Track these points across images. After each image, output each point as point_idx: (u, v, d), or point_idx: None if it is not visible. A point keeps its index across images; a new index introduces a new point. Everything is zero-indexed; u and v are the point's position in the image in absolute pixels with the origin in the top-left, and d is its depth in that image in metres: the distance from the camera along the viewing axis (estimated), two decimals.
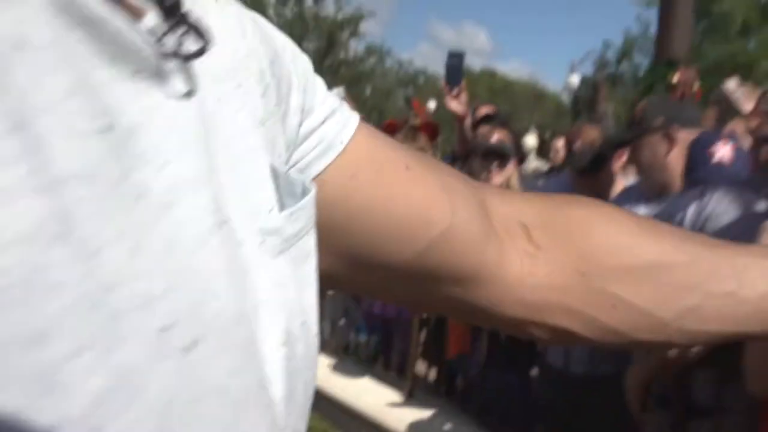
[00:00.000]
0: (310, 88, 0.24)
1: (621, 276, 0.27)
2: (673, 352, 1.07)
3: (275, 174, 0.20)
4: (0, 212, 0.10)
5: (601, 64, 12.65)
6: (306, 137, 0.23)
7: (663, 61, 4.59)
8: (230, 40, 0.20)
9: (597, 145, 1.61)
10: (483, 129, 1.93)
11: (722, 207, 1.13)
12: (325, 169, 0.23)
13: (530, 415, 1.63)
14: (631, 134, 1.49)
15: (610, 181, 1.62)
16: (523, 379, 1.69)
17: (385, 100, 18.91)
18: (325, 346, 2.30)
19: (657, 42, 5.37)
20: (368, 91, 18.09)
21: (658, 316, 0.27)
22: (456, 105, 2.07)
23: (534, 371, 1.69)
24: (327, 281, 0.23)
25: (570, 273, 0.27)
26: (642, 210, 1.35)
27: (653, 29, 6.77)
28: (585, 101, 8.10)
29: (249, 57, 0.20)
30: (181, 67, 0.15)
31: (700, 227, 1.12)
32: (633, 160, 1.55)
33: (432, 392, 2.14)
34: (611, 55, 12.86)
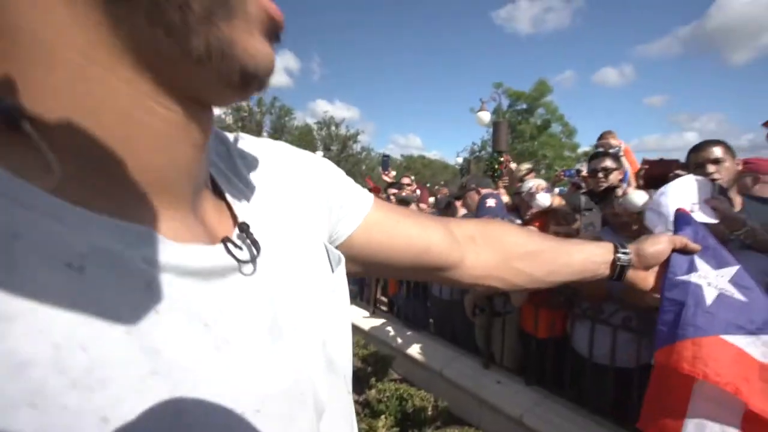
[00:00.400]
0: (342, 188, 0.43)
1: (520, 258, 0.55)
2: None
3: (326, 249, 0.37)
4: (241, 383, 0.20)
5: (472, 151, 20.71)
6: (340, 219, 0.42)
7: (497, 151, 8.91)
8: (298, 176, 0.37)
9: (448, 196, 3.33)
10: (391, 190, 3.68)
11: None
12: (355, 230, 0.44)
13: (424, 315, 3.29)
14: (462, 191, 3.20)
15: (454, 214, 3.28)
16: (423, 302, 3.31)
17: (371, 172, 34.71)
18: None
19: (493, 142, 9.63)
20: (363, 167, 33.12)
21: (537, 276, 0.56)
22: (387, 178, 4.24)
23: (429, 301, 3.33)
24: (350, 275, 0.41)
25: (496, 259, 0.54)
26: None
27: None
28: (465, 170, 15.62)
29: (310, 185, 0.38)
30: (252, 257, 0.28)
31: None
32: (464, 203, 3.25)
33: (383, 311, 3.81)
34: (476, 147, 20.45)
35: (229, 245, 0.27)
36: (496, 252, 0.56)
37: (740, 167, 1.82)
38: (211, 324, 0.24)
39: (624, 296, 1.84)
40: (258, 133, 26.97)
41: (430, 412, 2.40)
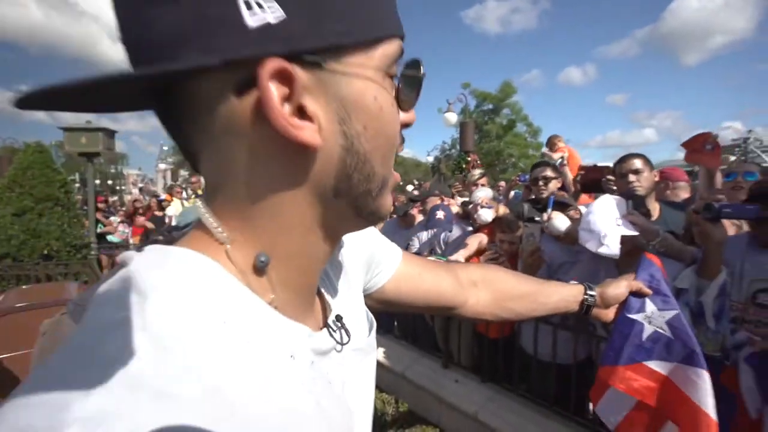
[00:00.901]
0: (378, 248, 0.56)
1: (512, 299, 0.72)
2: None
3: (366, 315, 0.48)
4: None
5: (442, 150, 20.84)
6: (376, 274, 0.57)
7: (464, 151, 9.26)
8: (353, 250, 0.50)
9: (405, 204, 3.43)
10: None
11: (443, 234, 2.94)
12: (387, 281, 0.58)
13: (389, 318, 3.33)
14: (422, 196, 3.31)
15: (412, 222, 3.37)
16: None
17: None
18: None
19: (461, 142, 9.88)
20: None
21: (521, 312, 0.73)
22: None
23: None
24: (372, 310, 0.51)
25: (492, 300, 0.70)
26: (426, 233, 3.07)
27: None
28: (436, 168, 16.33)
29: (359, 253, 0.51)
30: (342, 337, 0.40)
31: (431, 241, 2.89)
32: (423, 210, 3.36)
33: None
34: (447, 145, 20.94)
35: (331, 330, 0.40)
36: (493, 295, 0.72)
37: (657, 177, 2.02)
38: (330, 382, 0.37)
39: None
40: None
41: (391, 414, 2.49)
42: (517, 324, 2.33)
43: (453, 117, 11.14)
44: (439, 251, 2.69)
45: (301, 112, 0.28)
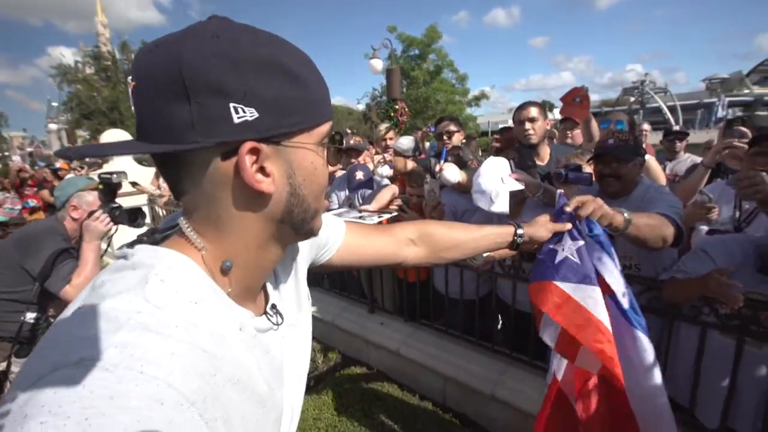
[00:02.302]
0: (324, 233, 0.72)
1: (446, 249, 0.90)
2: None
3: (304, 294, 0.66)
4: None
5: (372, 97, 20.51)
6: (323, 252, 0.74)
7: (392, 99, 9.26)
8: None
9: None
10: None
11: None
12: (333, 255, 0.76)
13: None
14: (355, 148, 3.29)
15: (332, 177, 3.37)
16: None
17: None
18: None
19: (388, 90, 9.74)
20: None
21: (456, 258, 0.94)
22: None
23: None
24: (324, 271, 0.75)
25: (428, 252, 0.89)
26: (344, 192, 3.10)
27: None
28: (368, 116, 15.91)
29: (303, 246, 0.67)
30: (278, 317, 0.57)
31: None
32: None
33: None
34: (377, 92, 20.55)
35: (268, 315, 0.55)
36: (429, 248, 0.89)
37: (549, 125, 2.23)
38: (269, 351, 0.52)
39: None
40: (127, 83, 22.82)
41: (321, 361, 2.66)
42: (431, 267, 2.55)
43: (379, 64, 10.85)
44: (357, 205, 2.76)
45: (262, 170, 0.43)
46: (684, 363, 1.63)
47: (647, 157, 2.19)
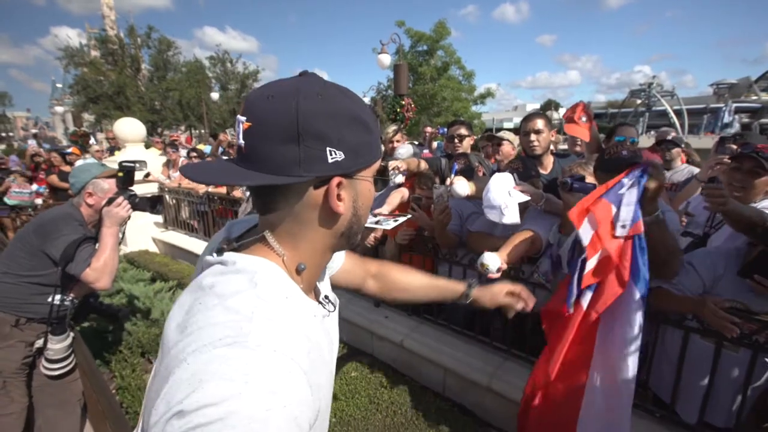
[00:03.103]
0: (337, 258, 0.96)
1: (398, 291, 1.11)
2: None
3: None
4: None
5: (378, 91, 20.68)
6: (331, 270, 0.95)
7: (398, 95, 9.51)
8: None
9: None
10: None
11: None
12: (335, 271, 0.96)
13: None
14: None
15: None
16: None
17: None
18: None
19: (395, 86, 9.96)
20: None
21: (403, 300, 1.15)
22: None
23: None
24: None
25: (382, 289, 1.10)
26: None
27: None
28: (373, 110, 16.86)
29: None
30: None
31: None
32: None
33: None
34: (383, 86, 20.82)
35: (323, 304, 0.69)
36: (381, 286, 1.08)
37: (554, 137, 2.35)
38: (329, 333, 0.65)
39: (468, 244, 2.33)
40: (136, 70, 22.83)
41: None
42: (436, 265, 2.69)
43: (387, 59, 10.89)
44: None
45: (339, 197, 0.57)
46: (668, 363, 1.78)
47: None
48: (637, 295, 1.33)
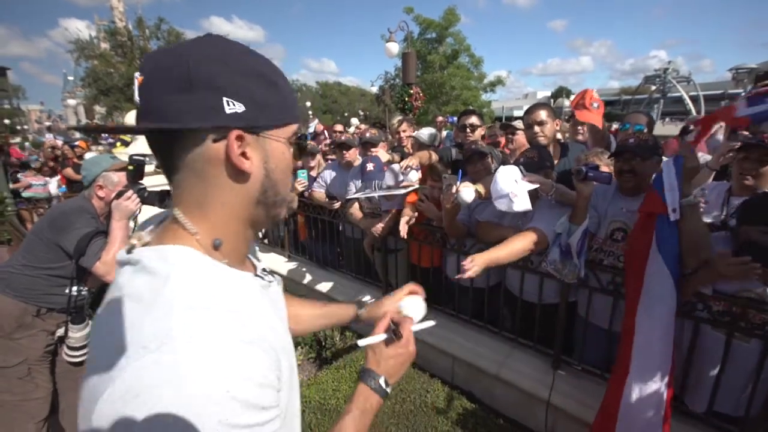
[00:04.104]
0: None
1: (296, 320, 0.95)
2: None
3: None
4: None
5: (386, 80, 20.32)
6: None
7: (406, 83, 9.35)
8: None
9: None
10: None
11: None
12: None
13: (333, 256, 3.62)
14: (371, 141, 3.41)
15: (350, 166, 3.50)
16: (331, 245, 3.61)
17: None
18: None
19: (403, 74, 9.72)
20: None
21: (300, 330, 1.01)
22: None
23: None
24: None
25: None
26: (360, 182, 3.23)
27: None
28: (381, 98, 16.91)
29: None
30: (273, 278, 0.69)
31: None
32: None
33: (299, 256, 4.07)
34: (390, 76, 20.38)
35: (261, 276, 0.65)
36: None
37: (558, 126, 2.31)
38: (274, 302, 0.64)
39: (477, 234, 2.33)
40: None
41: (338, 338, 2.86)
42: (444, 255, 2.70)
43: (395, 47, 10.75)
44: (376, 192, 2.91)
45: (244, 155, 0.54)
46: (678, 354, 1.77)
47: (665, 158, 2.29)
48: (670, 278, 1.45)
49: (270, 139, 0.56)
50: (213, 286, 0.51)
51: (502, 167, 1.82)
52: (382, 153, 3.52)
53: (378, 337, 0.82)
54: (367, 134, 3.27)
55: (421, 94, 9.74)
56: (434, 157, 2.54)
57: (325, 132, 5.84)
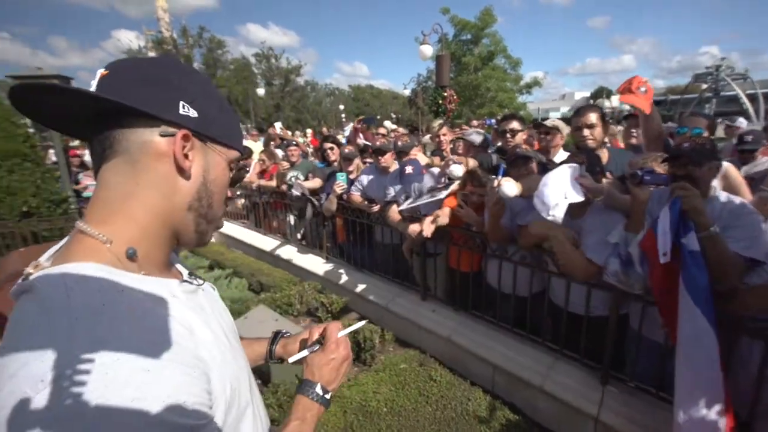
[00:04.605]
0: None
1: None
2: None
3: None
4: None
5: (418, 83, 20.72)
6: None
7: (440, 86, 9.44)
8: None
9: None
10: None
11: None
12: None
13: (371, 259, 3.66)
14: (402, 149, 3.42)
15: (387, 171, 3.52)
16: (368, 247, 3.66)
17: (318, 106, 39.78)
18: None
19: (437, 77, 9.88)
20: (310, 100, 37.03)
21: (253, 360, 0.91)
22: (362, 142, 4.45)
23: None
24: None
25: None
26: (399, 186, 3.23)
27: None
28: (413, 101, 16.17)
29: None
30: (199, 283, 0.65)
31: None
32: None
33: (336, 258, 4.13)
34: (422, 78, 20.50)
35: (188, 281, 0.62)
36: None
37: (613, 131, 2.22)
38: (203, 308, 0.62)
39: (519, 238, 2.28)
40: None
41: (377, 341, 2.88)
42: (485, 260, 2.66)
43: (428, 50, 10.73)
44: (413, 195, 2.92)
45: (187, 157, 0.56)
46: (744, 375, 1.65)
47: (725, 164, 2.13)
48: (697, 309, 1.36)
49: (214, 152, 0.60)
50: (120, 301, 0.47)
51: (563, 166, 1.77)
52: (420, 156, 3.52)
53: (305, 351, 0.83)
54: (399, 143, 3.29)
55: (455, 97, 9.67)
56: (472, 162, 2.51)
57: (360, 134, 5.89)
